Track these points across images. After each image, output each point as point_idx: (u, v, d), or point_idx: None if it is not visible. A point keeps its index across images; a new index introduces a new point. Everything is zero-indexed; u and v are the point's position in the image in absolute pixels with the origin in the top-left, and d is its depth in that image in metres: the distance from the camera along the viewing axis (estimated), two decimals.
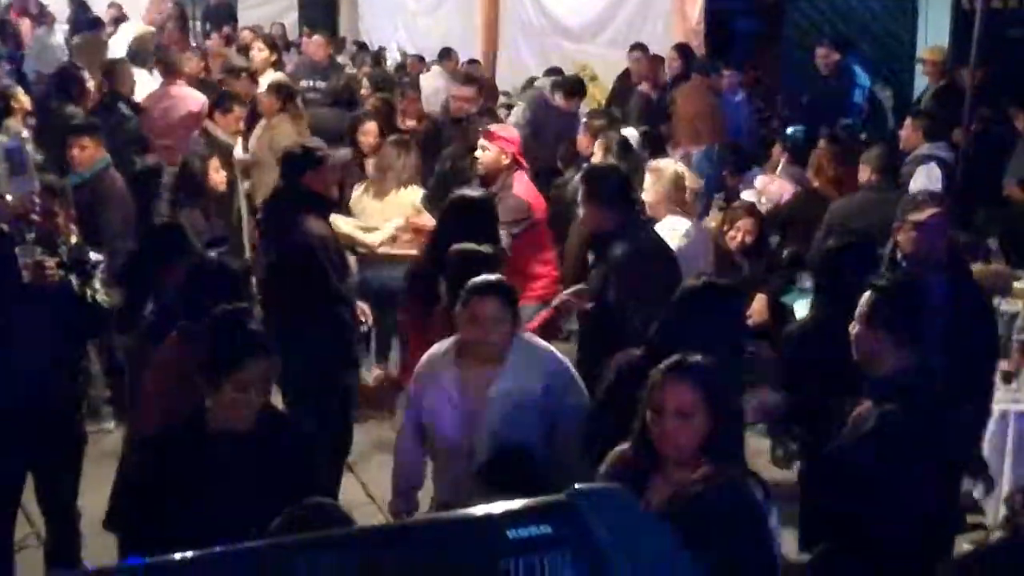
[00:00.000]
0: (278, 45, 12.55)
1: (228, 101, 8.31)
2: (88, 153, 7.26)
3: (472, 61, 12.66)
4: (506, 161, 6.73)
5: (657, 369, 3.40)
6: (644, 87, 10.62)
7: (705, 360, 3.39)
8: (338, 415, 5.86)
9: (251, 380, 3.65)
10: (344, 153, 7.38)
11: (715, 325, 4.09)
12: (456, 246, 5.06)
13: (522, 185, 6.76)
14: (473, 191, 6.12)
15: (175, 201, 7.21)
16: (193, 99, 9.50)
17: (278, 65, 11.54)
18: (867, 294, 4.13)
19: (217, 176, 7.27)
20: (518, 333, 4.47)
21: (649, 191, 6.34)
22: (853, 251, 5.11)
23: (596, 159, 7.37)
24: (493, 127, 7.24)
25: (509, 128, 7.54)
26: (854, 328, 4.11)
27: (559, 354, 4.61)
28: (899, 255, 5.33)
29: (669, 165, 6.65)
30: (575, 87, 9.92)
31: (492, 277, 4.49)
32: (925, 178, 7.56)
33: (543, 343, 4.61)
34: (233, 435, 3.66)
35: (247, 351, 3.68)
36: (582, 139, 8.11)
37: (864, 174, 7.01)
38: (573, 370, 4.61)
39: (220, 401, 3.65)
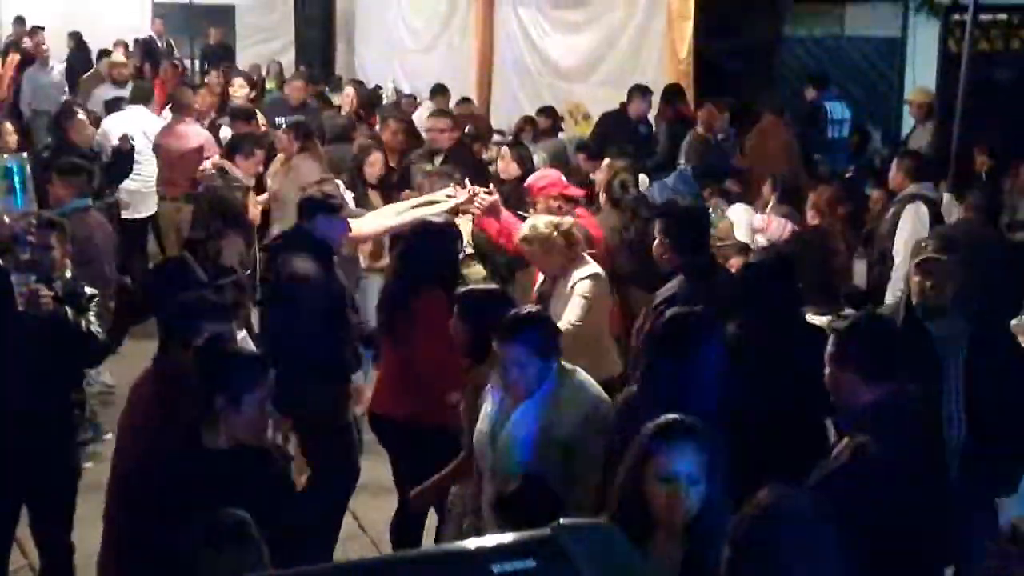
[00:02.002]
0: (256, 83, 12.69)
1: (249, 145, 8.34)
2: (55, 192, 7.30)
3: (465, 100, 12.73)
4: (555, 203, 6.66)
5: (655, 435, 3.29)
6: (700, 129, 10.58)
7: (693, 419, 3.35)
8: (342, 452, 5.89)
9: (268, 392, 3.86)
10: (360, 212, 7.39)
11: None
12: (467, 288, 5.08)
13: (582, 219, 6.62)
14: (437, 218, 6.15)
15: (209, 232, 7.27)
16: (196, 135, 9.75)
17: (256, 103, 11.68)
18: (831, 336, 4.17)
19: (255, 211, 7.36)
20: (563, 368, 4.35)
21: None
22: (772, 271, 5.15)
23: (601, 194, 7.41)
24: (530, 181, 7.15)
25: (544, 174, 7.34)
26: (826, 371, 4.09)
27: (598, 401, 4.39)
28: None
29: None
30: (597, 151, 9.92)
31: (524, 314, 4.45)
32: (913, 217, 7.66)
33: (585, 386, 4.40)
34: (249, 449, 3.83)
35: (262, 365, 3.91)
36: (602, 178, 7.96)
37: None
38: (602, 422, 4.33)
39: (241, 419, 3.79)
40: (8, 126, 9.39)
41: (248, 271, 7.50)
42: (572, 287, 5.71)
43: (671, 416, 3.37)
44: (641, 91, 11.10)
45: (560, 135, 10.82)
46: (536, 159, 9.56)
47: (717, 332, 4.32)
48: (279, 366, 4.40)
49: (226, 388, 3.79)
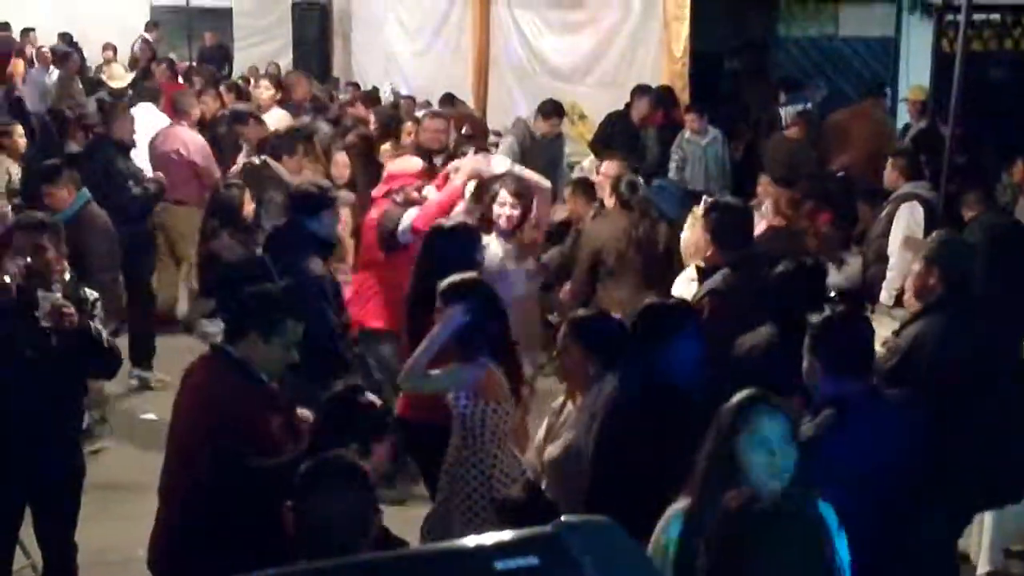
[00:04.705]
0: (283, 83, 12.62)
1: (290, 143, 8.41)
2: (60, 196, 7.29)
3: (448, 96, 12.66)
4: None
5: (747, 404, 3.37)
6: (789, 132, 10.62)
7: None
8: None
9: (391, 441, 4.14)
10: (347, 196, 7.50)
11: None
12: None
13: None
14: (449, 221, 6.15)
15: (205, 231, 7.28)
16: (182, 140, 9.69)
17: (284, 104, 11.68)
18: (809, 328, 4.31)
19: (248, 208, 7.39)
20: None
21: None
22: (803, 276, 5.23)
23: (604, 196, 7.46)
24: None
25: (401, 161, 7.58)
26: (804, 359, 4.26)
27: None
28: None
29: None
30: (551, 110, 10.05)
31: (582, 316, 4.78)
32: (908, 216, 7.70)
33: None
34: None
35: (389, 416, 4.26)
36: (604, 180, 7.89)
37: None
38: None
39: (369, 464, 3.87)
40: (19, 127, 9.46)
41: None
42: None
43: (752, 390, 3.44)
44: (642, 91, 11.09)
45: (523, 111, 10.83)
46: (504, 143, 9.67)
47: (692, 321, 4.50)
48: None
49: (357, 436, 3.91)
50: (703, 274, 5.83)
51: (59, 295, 5.05)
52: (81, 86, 14.28)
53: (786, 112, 11.31)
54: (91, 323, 5.12)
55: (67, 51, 15.46)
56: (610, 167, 7.65)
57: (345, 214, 7.70)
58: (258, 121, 10.04)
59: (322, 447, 3.87)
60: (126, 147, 9.00)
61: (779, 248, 7.23)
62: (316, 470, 3.28)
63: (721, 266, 5.66)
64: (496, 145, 11.14)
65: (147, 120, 10.43)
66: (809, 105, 11.58)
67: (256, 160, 8.49)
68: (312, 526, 3.15)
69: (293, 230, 6.19)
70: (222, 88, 12.95)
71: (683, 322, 4.43)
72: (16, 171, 9.15)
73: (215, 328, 6.72)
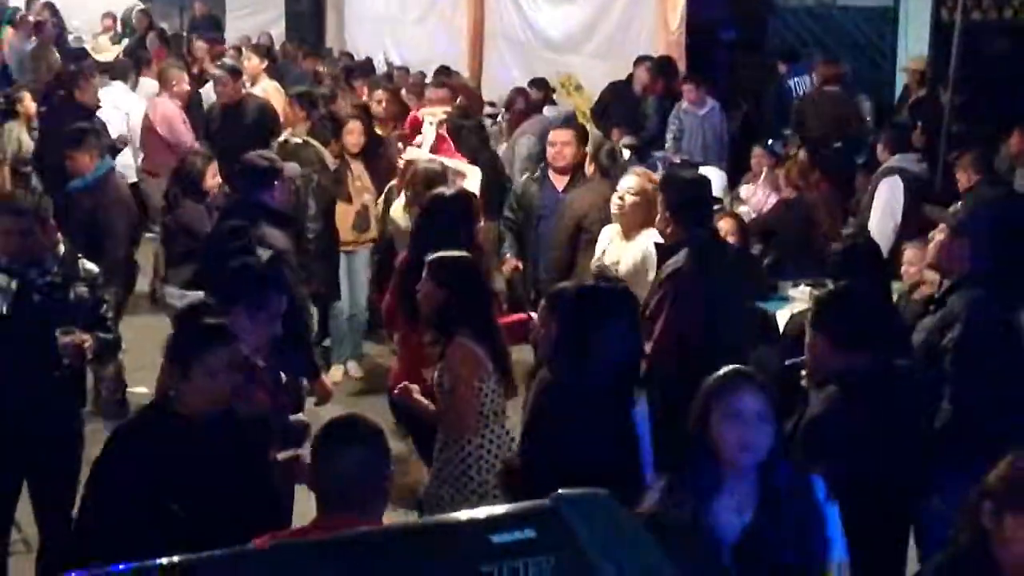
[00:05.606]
0: (273, 54, 12.60)
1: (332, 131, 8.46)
2: (83, 161, 7.20)
3: (443, 68, 12.62)
4: None
5: (720, 379, 3.34)
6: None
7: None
8: None
9: (223, 361, 3.83)
10: (293, 167, 7.44)
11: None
12: (439, 256, 4.96)
13: None
14: (448, 190, 6.10)
15: (169, 201, 7.21)
16: (152, 109, 9.87)
17: (271, 72, 11.63)
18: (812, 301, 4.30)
19: (212, 181, 7.33)
20: None
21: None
22: (860, 252, 5.23)
23: (553, 162, 7.35)
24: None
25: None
26: (807, 333, 4.23)
27: None
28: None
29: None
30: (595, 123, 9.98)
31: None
32: (888, 192, 7.66)
33: None
34: (223, 414, 3.86)
35: (217, 334, 3.90)
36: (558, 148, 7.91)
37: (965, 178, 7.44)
38: None
39: (191, 386, 3.81)
40: (28, 94, 9.57)
41: None
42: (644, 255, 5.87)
43: (732, 366, 3.43)
44: (643, 60, 11.06)
45: (545, 109, 10.76)
46: (523, 141, 9.58)
47: (629, 306, 4.43)
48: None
49: (176, 356, 3.86)
50: (662, 252, 5.49)
51: (76, 331, 5.00)
52: (58, 56, 14.18)
53: (794, 83, 11.20)
54: (100, 334, 5.13)
55: (41, 20, 15.40)
56: (558, 135, 7.56)
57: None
58: (241, 83, 10.14)
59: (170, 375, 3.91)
60: (90, 110, 9.12)
61: (792, 221, 7.23)
62: (332, 427, 3.31)
63: (682, 244, 5.30)
64: (492, 117, 11.12)
65: (116, 97, 10.61)
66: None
67: (298, 139, 8.45)
68: (328, 480, 3.19)
69: (244, 203, 6.13)
70: (207, 59, 12.96)
71: (619, 307, 4.32)
72: (26, 138, 9.17)
73: (180, 296, 6.70)
